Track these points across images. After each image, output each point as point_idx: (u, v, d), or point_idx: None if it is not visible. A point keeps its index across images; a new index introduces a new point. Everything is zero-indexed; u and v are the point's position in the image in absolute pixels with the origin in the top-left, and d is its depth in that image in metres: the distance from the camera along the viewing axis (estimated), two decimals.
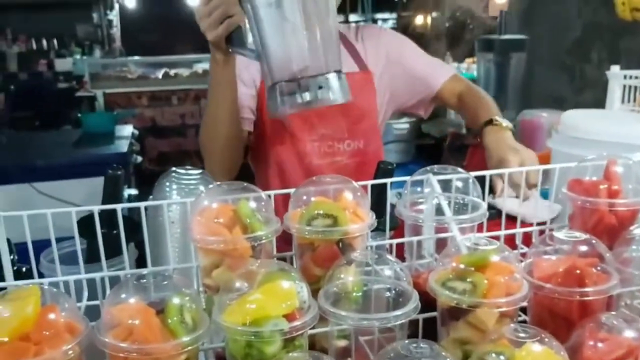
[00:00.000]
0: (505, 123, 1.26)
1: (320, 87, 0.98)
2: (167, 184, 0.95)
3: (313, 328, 0.81)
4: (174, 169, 0.97)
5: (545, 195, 1.19)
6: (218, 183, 0.83)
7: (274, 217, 0.82)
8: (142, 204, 0.88)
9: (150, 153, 5.43)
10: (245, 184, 0.81)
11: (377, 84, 1.46)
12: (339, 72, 1.01)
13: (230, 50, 1.14)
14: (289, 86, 0.98)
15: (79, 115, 3.77)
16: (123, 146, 3.16)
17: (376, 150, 1.47)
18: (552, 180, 1.08)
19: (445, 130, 2.84)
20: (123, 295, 0.68)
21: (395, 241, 0.94)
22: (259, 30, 0.99)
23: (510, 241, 1.03)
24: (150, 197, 0.97)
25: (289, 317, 0.70)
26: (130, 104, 5.50)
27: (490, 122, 1.26)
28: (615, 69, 1.53)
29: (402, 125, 2.96)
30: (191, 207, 0.80)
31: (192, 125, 5.64)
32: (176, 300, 0.68)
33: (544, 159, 1.25)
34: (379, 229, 1.03)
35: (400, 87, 1.50)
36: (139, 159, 3.44)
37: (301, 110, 1.06)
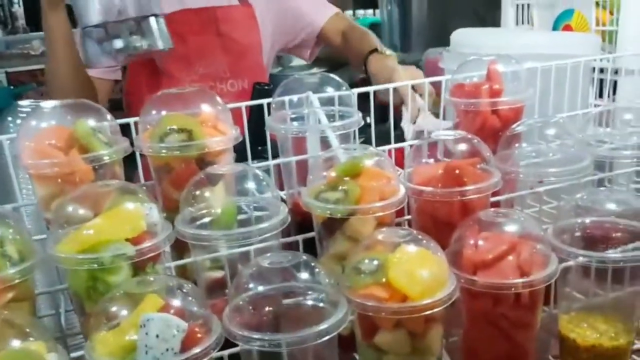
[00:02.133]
0: (389, 52, 1.24)
1: (131, 34, 0.89)
2: (10, 118, 0.83)
3: (180, 259, 0.74)
4: (19, 102, 0.85)
5: None
6: (53, 103, 0.72)
7: (122, 138, 0.72)
8: None
9: None
10: (85, 101, 0.70)
11: (259, 19, 1.37)
12: (156, 16, 0.92)
13: None
14: (98, 32, 0.89)
15: None
16: None
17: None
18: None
19: (354, 78, 2.79)
20: None
21: (272, 162, 0.87)
22: None
23: None
24: None
25: (135, 241, 0.62)
26: (35, 81, 5.15)
27: (373, 51, 1.23)
28: None
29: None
30: (20, 132, 0.69)
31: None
32: None
33: None
34: (261, 157, 0.96)
35: (283, 24, 1.43)
36: None
37: (117, 59, 0.97)
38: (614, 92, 1.27)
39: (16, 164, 0.78)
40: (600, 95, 1.24)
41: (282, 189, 0.89)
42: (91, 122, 0.69)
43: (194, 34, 1.29)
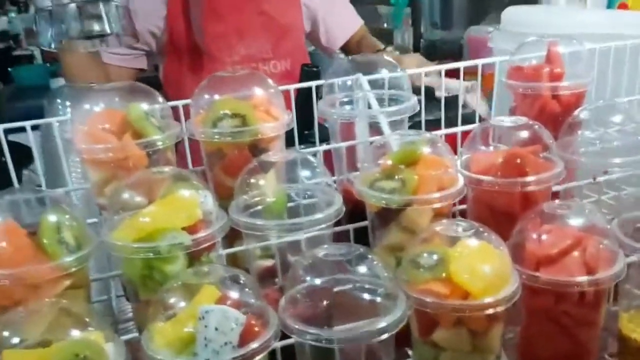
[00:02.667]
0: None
1: (85, 17, 0.86)
2: (59, 100, 0.82)
3: (231, 247, 0.73)
4: (66, 83, 0.84)
5: None
6: (106, 85, 0.71)
7: (174, 123, 0.71)
8: (27, 123, 0.76)
9: None
10: (137, 84, 0.69)
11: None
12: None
13: None
14: (52, 14, 0.86)
15: (9, 69, 3.52)
16: None
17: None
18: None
19: None
20: None
21: (322, 148, 0.85)
22: None
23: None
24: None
25: (191, 230, 0.61)
26: None
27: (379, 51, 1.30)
28: None
29: None
30: (73, 116, 0.68)
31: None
32: (51, 217, 0.58)
33: (490, 79, 1.17)
34: (308, 142, 0.94)
35: (320, 17, 1.42)
36: None
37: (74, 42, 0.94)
38: None
39: (67, 148, 0.78)
40: None
41: (331, 174, 0.87)
42: (144, 106, 0.67)
43: (234, 12, 1.26)
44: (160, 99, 0.71)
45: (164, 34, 1.28)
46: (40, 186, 0.83)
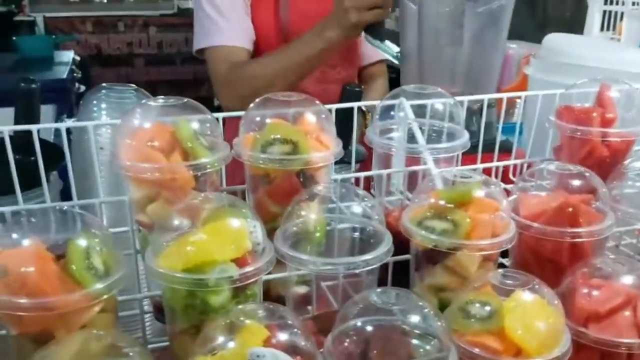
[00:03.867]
0: None
1: None
2: (95, 102, 0.79)
3: (268, 274, 0.71)
4: (103, 85, 0.81)
5: (511, 130, 1.09)
6: (154, 99, 0.68)
7: (222, 142, 0.68)
8: (62, 125, 0.73)
9: (96, 82, 5.07)
10: (186, 100, 0.66)
11: None
12: None
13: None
14: None
15: (14, 39, 3.45)
16: (62, 72, 2.92)
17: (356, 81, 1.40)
18: (527, 111, 0.99)
19: None
20: (14, 236, 0.54)
21: (362, 174, 0.83)
22: None
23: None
24: (74, 118, 0.82)
25: (239, 262, 0.58)
26: (72, 30, 5.11)
27: None
28: None
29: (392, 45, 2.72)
30: (119, 128, 0.66)
31: (140, 54, 5.30)
32: (81, 242, 0.55)
33: (514, 90, 1.16)
34: (343, 162, 0.92)
35: None
36: (82, 88, 3.19)
37: None
38: None
39: (98, 152, 0.75)
40: None
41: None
42: (194, 124, 0.65)
43: (318, 17, 1.23)
44: (209, 116, 0.68)
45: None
46: (68, 190, 0.81)
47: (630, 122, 0.81)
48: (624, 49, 1.18)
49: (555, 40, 1.12)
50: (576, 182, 0.72)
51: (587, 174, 0.72)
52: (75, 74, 3.10)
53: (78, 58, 3.28)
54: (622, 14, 1.37)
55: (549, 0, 2.78)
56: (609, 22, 1.39)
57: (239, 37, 1.26)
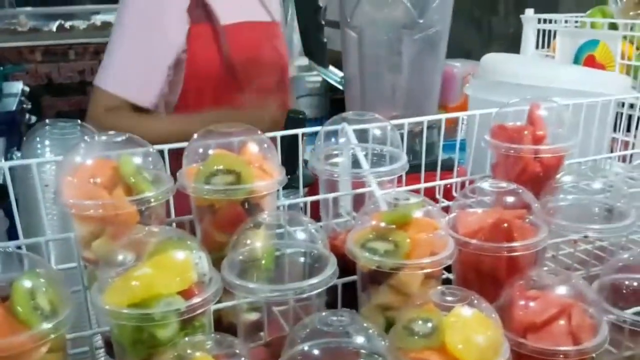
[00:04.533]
0: None
1: None
2: (39, 139, 0.79)
3: (217, 303, 0.72)
4: (47, 120, 0.81)
5: (462, 146, 1.14)
6: (97, 135, 0.68)
7: (165, 175, 0.69)
8: (5, 164, 0.73)
9: (47, 113, 5.01)
10: (128, 135, 0.67)
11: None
12: None
13: None
14: None
15: None
16: (11, 104, 2.87)
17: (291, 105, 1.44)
18: (470, 129, 1.03)
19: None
20: None
21: (309, 199, 0.85)
22: None
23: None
24: (19, 155, 0.81)
25: (186, 294, 0.59)
26: (21, 59, 5.02)
27: None
28: (529, 12, 1.49)
29: (315, 77, 2.81)
30: (61, 165, 0.66)
31: (92, 82, 5.23)
32: (25, 283, 0.55)
33: (459, 110, 1.20)
34: (291, 187, 0.93)
35: None
36: (33, 118, 3.14)
37: None
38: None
39: (43, 190, 0.75)
40: (628, 130, 1.24)
41: (317, 219, 0.87)
42: (136, 159, 0.65)
43: (253, 48, 1.29)
44: (152, 149, 0.69)
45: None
46: (14, 227, 0.80)
47: (560, 138, 0.85)
48: (557, 66, 1.24)
49: (491, 59, 1.17)
50: (510, 199, 0.75)
51: (519, 191, 0.76)
52: (24, 105, 3.05)
53: (27, 89, 3.23)
54: (555, 32, 1.44)
55: (493, 18, 2.89)
56: (544, 39, 1.46)
57: (127, 89, 1.26)
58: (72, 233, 0.71)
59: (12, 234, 0.86)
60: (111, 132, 0.68)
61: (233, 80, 1.27)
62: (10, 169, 0.74)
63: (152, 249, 0.61)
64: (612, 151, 1.23)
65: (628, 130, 1.21)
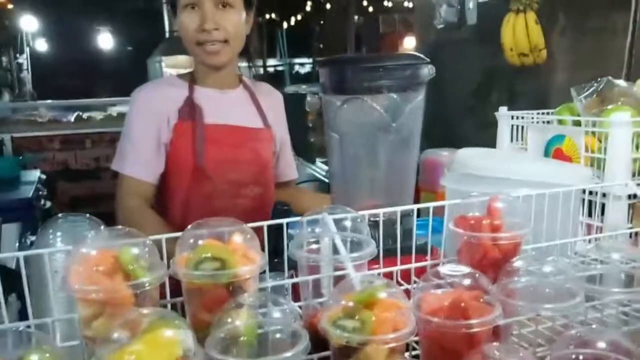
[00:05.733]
0: None
1: None
2: (51, 231, 0.90)
3: None
4: (59, 215, 0.92)
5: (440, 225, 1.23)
6: (102, 229, 0.79)
7: (159, 262, 0.79)
8: (20, 254, 0.84)
9: (61, 198, 5.20)
10: (128, 229, 0.78)
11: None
12: None
13: None
14: None
15: None
16: (28, 191, 3.03)
17: (271, 196, 1.61)
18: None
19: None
20: None
21: (291, 281, 0.94)
22: None
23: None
24: (34, 245, 0.92)
25: None
26: (40, 148, 5.28)
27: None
28: (503, 110, 1.63)
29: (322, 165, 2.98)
30: (70, 256, 0.76)
31: (107, 168, 5.44)
32: (32, 358, 0.64)
33: (444, 197, 1.31)
34: (278, 269, 1.03)
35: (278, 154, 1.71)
36: (48, 204, 3.29)
37: None
38: (602, 212, 1.36)
39: (53, 277, 0.85)
40: (590, 215, 1.33)
41: (298, 298, 0.96)
42: (134, 249, 0.76)
43: (231, 145, 1.48)
44: (148, 241, 0.79)
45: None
46: (25, 308, 0.90)
47: (515, 226, 0.95)
48: (524, 160, 1.36)
49: (464, 154, 1.29)
50: (467, 282, 0.84)
51: (476, 275, 0.85)
52: (40, 192, 3.21)
53: (44, 177, 3.40)
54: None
55: (486, 108, 3.06)
56: (517, 133, 1.59)
57: (144, 172, 1.48)
58: (76, 314, 0.81)
59: (22, 314, 0.95)
60: (116, 227, 0.79)
61: (205, 172, 1.48)
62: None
63: (144, 328, 0.70)
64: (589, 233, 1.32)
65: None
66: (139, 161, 1.48)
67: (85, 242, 0.77)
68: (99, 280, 0.73)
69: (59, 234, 0.91)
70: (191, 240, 0.80)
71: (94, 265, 0.74)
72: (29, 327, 0.82)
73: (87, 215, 0.94)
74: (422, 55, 1.20)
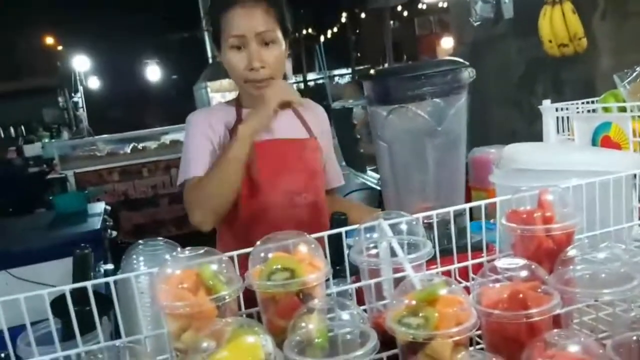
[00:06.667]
0: None
1: None
2: (134, 256, 1.00)
3: None
4: (139, 242, 1.02)
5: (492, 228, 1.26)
6: (180, 250, 0.88)
7: (235, 276, 0.87)
8: (110, 279, 0.93)
9: (125, 226, 5.43)
10: (206, 248, 0.86)
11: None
12: None
13: None
14: None
15: (51, 198, 3.79)
16: (96, 223, 3.20)
17: (323, 203, 1.67)
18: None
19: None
20: None
21: (354, 285, 1.00)
22: None
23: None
24: (119, 271, 1.02)
25: None
26: (101, 181, 5.54)
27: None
28: (546, 102, 1.65)
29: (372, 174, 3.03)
30: (155, 277, 0.85)
31: (164, 195, 5.70)
32: None
33: (494, 194, 1.34)
34: (340, 276, 1.09)
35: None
36: (114, 233, 3.46)
37: None
38: None
39: (140, 297, 0.94)
40: None
41: (360, 302, 1.02)
42: (213, 266, 0.84)
43: (280, 157, 1.58)
44: (224, 257, 0.87)
45: None
46: (116, 330, 0.99)
47: (567, 216, 0.98)
48: (571, 151, 1.38)
49: (511, 150, 1.32)
50: (524, 273, 0.88)
51: (532, 267, 0.89)
52: (107, 223, 3.38)
53: (109, 208, 3.57)
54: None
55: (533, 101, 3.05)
56: (563, 125, 1.61)
57: (200, 170, 1.56)
58: (164, 329, 0.89)
59: (115, 335, 1.04)
60: (193, 248, 0.88)
61: (259, 186, 1.56)
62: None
63: (228, 336, 0.77)
64: None
65: None
66: (200, 163, 1.57)
67: (168, 263, 0.85)
68: (184, 297, 0.81)
69: (141, 258, 1.00)
70: (262, 254, 0.88)
71: (178, 283, 0.82)
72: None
73: (163, 239, 1.03)
74: (461, 60, 1.25)
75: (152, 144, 6.03)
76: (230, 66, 1.56)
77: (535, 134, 1.89)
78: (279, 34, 1.55)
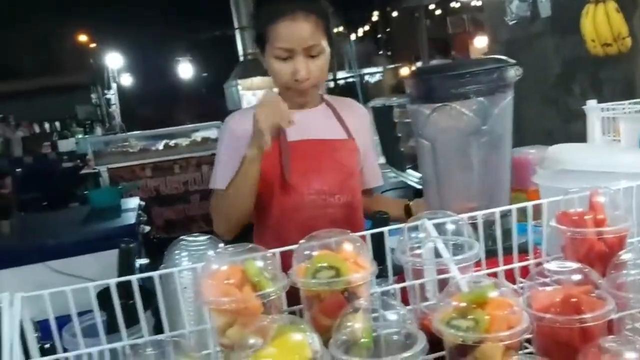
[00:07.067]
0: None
1: None
2: (177, 251, 1.00)
3: None
4: (182, 237, 1.02)
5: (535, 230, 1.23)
6: (224, 246, 0.88)
7: (280, 273, 0.86)
8: (155, 273, 0.93)
9: (157, 221, 5.50)
10: (250, 245, 0.86)
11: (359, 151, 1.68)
12: None
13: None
14: None
15: (86, 192, 3.85)
16: (131, 218, 3.23)
17: (359, 203, 1.65)
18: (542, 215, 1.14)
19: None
20: None
21: (398, 286, 0.98)
22: None
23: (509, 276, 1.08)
24: (162, 265, 1.02)
25: None
26: (134, 177, 5.61)
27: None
28: (591, 102, 1.60)
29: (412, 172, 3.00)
30: (201, 272, 0.85)
31: (195, 191, 5.75)
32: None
33: (535, 195, 1.31)
34: (382, 276, 1.08)
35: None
36: (147, 228, 3.50)
37: None
38: None
39: (183, 292, 0.94)
40: None
41: (406, 302, 1.01)
42: (258, 263, 0.83)
43: (314, 157, 1.56)
44: (269, 254, 0.87)
45: None
46: (158, 325, 1.00)
47: (618, 219, 0.95)
48: (617, 152, 1.34)
49: (555, 151, 1.29)
50: (576, 277, 0.85)
51: (585, 270, 0.86)
52: (141, 218, 3.42)
53: (143, 203, 3.61)
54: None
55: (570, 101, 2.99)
56: (608, 125, 1.56)
57: (224, 183, 1.56)
58: (208, 325, 0.89)
59: (157, 329, 1.05)
60: (239, 244, 0.88)
61: (292, 185, 1.55)
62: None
63: (274, 333, 0.77)
64: None
65: None
66: (225, 176, 1.57)
67: (213, 259, 0.85)
68: (231, 292, 0.80)
69: (184, 254, 1.00)
70: (306, 252, 0.87)
71: (224, 278, 0.82)
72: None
73: (208, 235, 1.03)
74: (507, 58, 1.22)
75: (184, 141, 6.09)
76: (274, 73, 1.55)
77: (572, 134, 1.84)
78: (325, 44, 1.53)
